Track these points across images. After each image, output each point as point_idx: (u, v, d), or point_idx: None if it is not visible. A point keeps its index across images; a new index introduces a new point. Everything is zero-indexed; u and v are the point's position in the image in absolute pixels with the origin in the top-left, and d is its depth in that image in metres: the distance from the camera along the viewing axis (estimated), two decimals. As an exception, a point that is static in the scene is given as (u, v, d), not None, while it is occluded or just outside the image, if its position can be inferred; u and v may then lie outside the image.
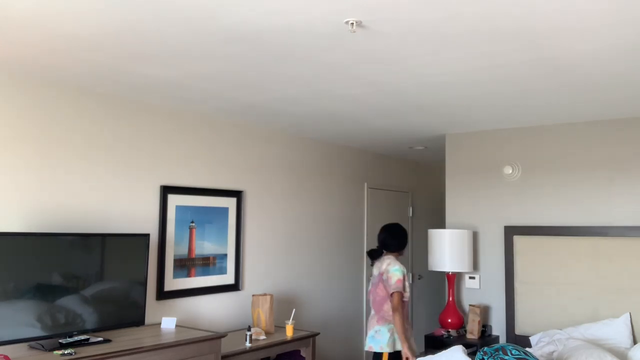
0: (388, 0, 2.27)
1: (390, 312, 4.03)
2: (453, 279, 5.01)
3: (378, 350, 4.04)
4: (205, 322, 4.45)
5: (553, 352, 4.00)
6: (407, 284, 4.06)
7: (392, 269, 4.05)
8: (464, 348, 3.63)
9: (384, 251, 4.26)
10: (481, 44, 2.78)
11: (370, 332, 4.11)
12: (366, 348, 4.14)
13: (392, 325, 4.04)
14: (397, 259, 4.19)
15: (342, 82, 3.52)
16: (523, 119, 4.64)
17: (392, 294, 3.98)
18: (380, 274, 4.10)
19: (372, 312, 4.17)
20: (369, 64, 3.14)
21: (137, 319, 3.67)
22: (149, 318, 4.02)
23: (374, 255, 4.27)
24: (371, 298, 4.18)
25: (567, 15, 2.41)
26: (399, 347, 4.02)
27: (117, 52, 2.97)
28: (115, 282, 3.57)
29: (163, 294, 4.12)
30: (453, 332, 4.86)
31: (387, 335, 4.04)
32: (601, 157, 4.58)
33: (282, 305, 5.20)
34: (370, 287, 4.23)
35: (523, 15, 2.42)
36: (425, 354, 4.55)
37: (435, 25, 2.54)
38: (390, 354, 4.03)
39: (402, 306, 4.00)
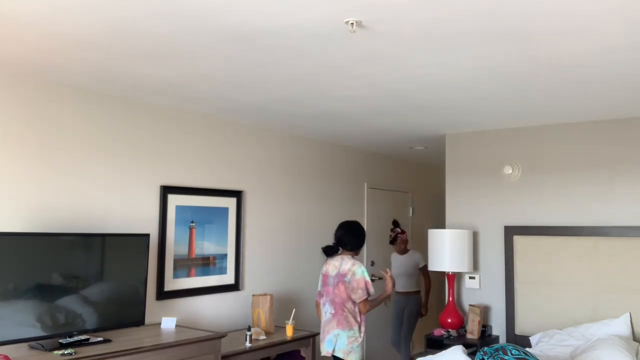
0: (388, 0, 2.27)
1: (350, 317, 3.86)
2: (453, 279, 5.01)
3: (340, 355, 3.85)
4: (205, 322, 4.45)
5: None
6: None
7: (358, 270, 3.87)
8: (464, 348, 3.63)
9: (340, 249, 4.06)
10: (481, 44, 2.78)
11: (329, 337, 3.90)
12: (324, 353, 3.94)
13: (351, 332, 3.85)
14: (354, 258, 4.01)
15: (342, 82, 3.52)
16: (523, 119, 4.64)
17: (364, 300, 3.84)
18: (342, 275, 3.89)
19: (329, 313, 3.93)
20: (369, 64, 3.14)
21: (137, 319, 3.67)
22: (149, 318, 4.02)
23: (330, 252, 4.05)
24: (327, 298, 3.95)
25: (566, 15, 2.41)
26: (353, 358, 3.85)
27: (117, 52, 2.97)
28: (115, 282, 3.57)
29: (163, 294, 4.12)
30: (453, 332, 4.86)
31: (346, 341, 3.85)
32: (601, 157, 4.58)
33: (282, 305, 5.20)
34: (323, 287, 4.01)
35: (523, 16, 2.42)
36: (425, 354, 4.55)
37: (435, 25, 2.54)
38: None
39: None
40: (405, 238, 6.02)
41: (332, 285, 3.94)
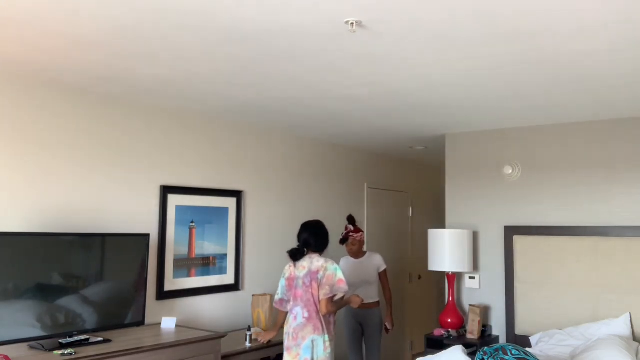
0: (388, 0, 2.27)
1: (324, 320, 3.66)
2: (453, 279, 5.01)
3: None
4: (205, 322, 4.45)
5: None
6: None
7: (331, 267, 3.68)
8: (464, 348, 3.63)
9: (306, 250, 3.82)
10: (481, 44, 2.78)
11: (306, 343, 3.61)
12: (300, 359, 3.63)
13: (326, 337, 3.65)
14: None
15: (342, 82, 3.52)
16: (523, 119, 4.64)
17: (328, 298, 3.62)
18: (315, 272, 3.67)
19: (302, 317, 3.66)
20: (369, 64, 3.14)
21: (137, 319, 3.68)
22: (149, 318, 4.02)
23: (299, 256, 3.79)
24: (298, 302, 3.68)
25: (566, 16, 2.41)
26: None
27: (117, 52, 2.97)
28: (115, 282, 3.57)
29: (163, 294, 4.12)
30: (453, 332, 4.86)
31: (322, 347, 3.64)
32: (601, 157, 4.58)
33: (282, 305, 5.20)
34: (289, 291, 3.78)
35: (523, 16, 2.42)
36: (425, 354, 4.56)
37: (435, 26, 2.54)
38: None
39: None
40: (360, 238, 4.80)
41: (301, 286, 3.70)
